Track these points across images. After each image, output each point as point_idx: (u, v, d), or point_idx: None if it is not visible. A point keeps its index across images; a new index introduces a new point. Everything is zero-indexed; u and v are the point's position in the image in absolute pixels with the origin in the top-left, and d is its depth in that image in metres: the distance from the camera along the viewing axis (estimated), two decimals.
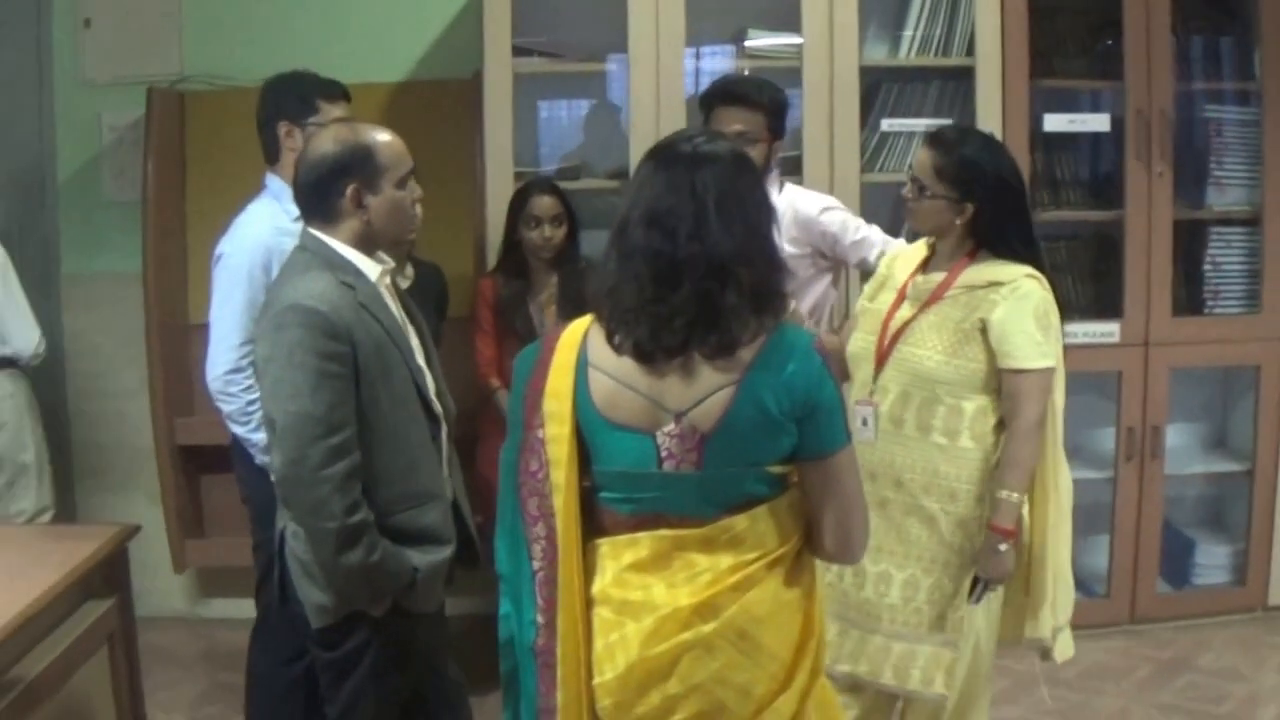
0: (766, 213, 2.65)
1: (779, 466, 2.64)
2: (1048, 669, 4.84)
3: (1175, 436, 5.69)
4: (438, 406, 3.37)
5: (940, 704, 3.71)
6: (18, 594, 3.28)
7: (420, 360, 3.36)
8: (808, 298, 4.49)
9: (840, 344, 3.87)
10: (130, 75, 5.47)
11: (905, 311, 3.69)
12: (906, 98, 5.30)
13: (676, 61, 5.01)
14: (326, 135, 3.24)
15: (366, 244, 3.24)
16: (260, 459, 3.91)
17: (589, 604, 2.66)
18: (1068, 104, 5.43)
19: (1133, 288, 5.37)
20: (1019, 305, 3.52)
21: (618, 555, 2.64)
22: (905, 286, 3.72)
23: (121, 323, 5.55)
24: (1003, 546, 3.54)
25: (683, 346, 2.54)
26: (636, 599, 2.61)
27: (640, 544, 2.62)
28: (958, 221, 3.59)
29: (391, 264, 3.40)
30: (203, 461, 5.50)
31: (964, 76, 5.21)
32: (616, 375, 2.60)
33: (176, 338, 5.43)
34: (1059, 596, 3.72)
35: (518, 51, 5.02)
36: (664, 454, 2.59)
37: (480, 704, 4.14)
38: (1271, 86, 5.35)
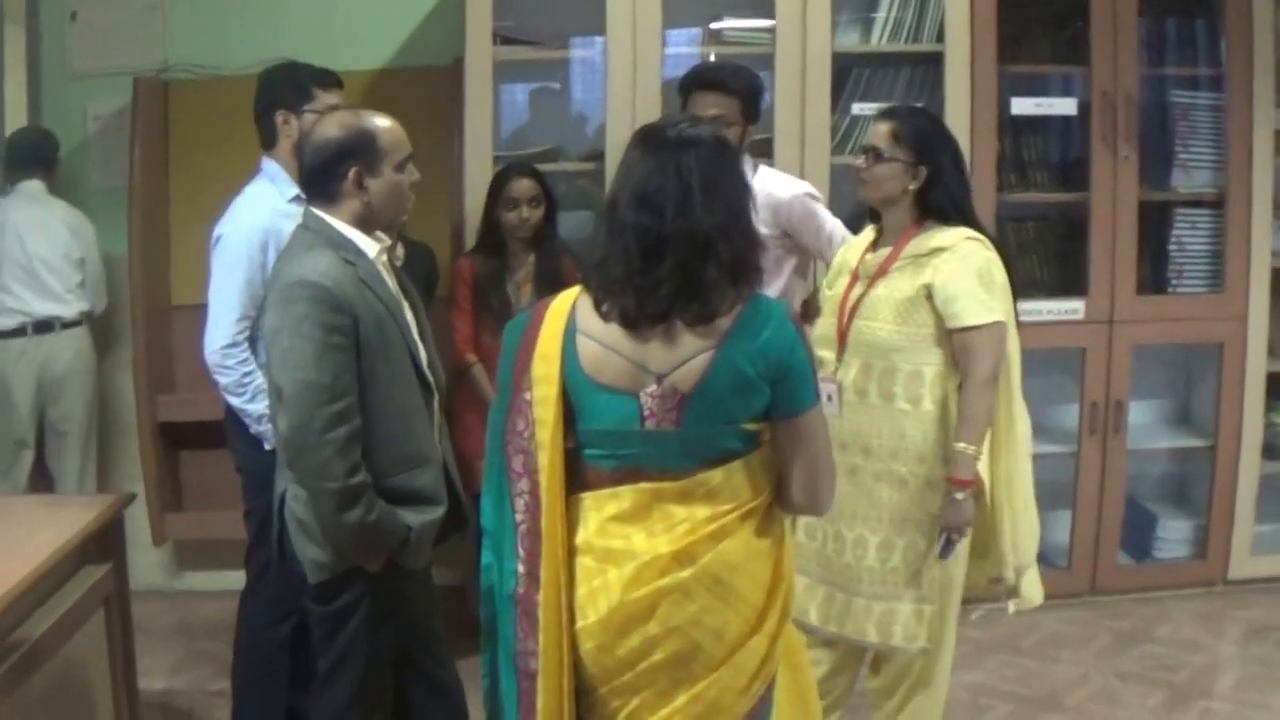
0: (745, 192, 2.82)
1: (752, 424, 2.79)
2: (1005, 635, 5.03)
3: (1140, 413, 5.83)
4: (430, 377, 3.54)
5: (917, 655, 3.88)
6: (22, 559, 3.41)
7: (415, 334, 3.52)
8: (777, 281, 4.59)
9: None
10: (115, 66, 5.59)
11: (858, 289, 3.84)
12: (877, 82, 5.40)
13: (652, 47, 5.11)
14: (332, 121, 3.40)
15: (366, 223, 3.41)
16: (256, 429, 4.07)
17: (571, 553, 2.82)
18: (1035, 88, 5.54)
19: (1097, 267, 5.49)
20: (960, 266, 3.67)
21: (600, 507, 2.81)
22: (857, 268, 3.88)
23: (108, 303, 5.73)
24: (960, 495, 3.68)
25: (665, 314, 2.70)
26: (618, 547, 2.78)
27: (622, 496, 2.79)
28: (910, 187, 3.75)
29: (389, 242, 3.55)
30: (182, 437, 5.63)
31: (934, 62, 5.32)
32: (603, 340, 2.76)
33: (159, 319, 5.57)
34: (1019, 538, 3.87)
35: (498, 39, 5.12)
36: (646, 413, 2.75)
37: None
38: (1236, 71, 5.47)
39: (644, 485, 2.78)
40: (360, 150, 3.34)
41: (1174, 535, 5.86)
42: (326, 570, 3.37)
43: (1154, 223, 5.65)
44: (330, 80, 4.25)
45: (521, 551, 2.83)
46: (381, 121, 3.39)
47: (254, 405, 4.04)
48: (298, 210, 3.66)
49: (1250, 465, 5.71)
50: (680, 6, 5.24)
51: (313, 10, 5.63)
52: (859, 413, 3.80)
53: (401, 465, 3.39)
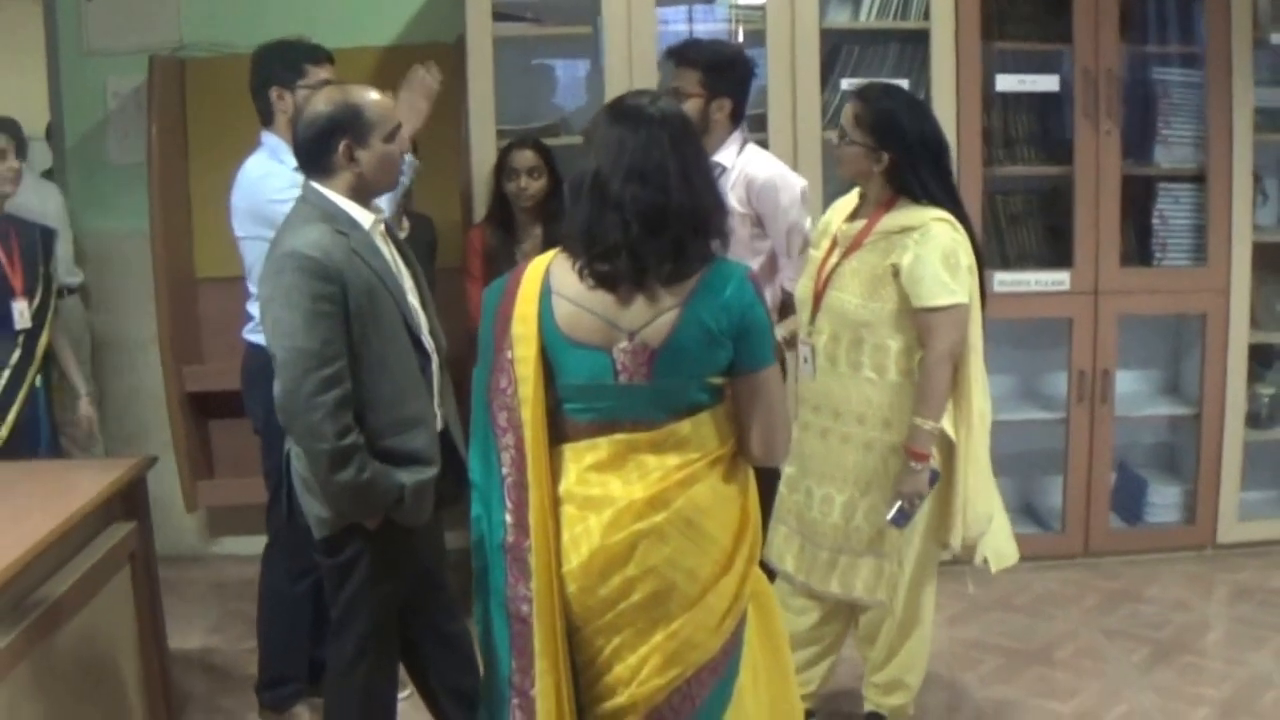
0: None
1: (717, 378, 2.98)
2: (1001, 593, 5.16)
3: (1129, 382, 5.98)
4: (428, 343, 3.66)
5: (884, 609, 4.05)
6: (46, 518, 3.59)
7: (413, 301, 3.65)
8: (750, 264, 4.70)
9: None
10: (132, 44, 5.70)
11: (834, 258, 3.98)
12: (866, 59, 5.55)
13: (648, 24, 5.27)
14: (320, 97, 3.52)
15: (360, 194, 3.53)
16: None
17: (556, 502, 2.98)
18: (1020, 65, 5.66)
19: (1082, 239, 5.63)
20: (927, 248, 3.78)
21: (579, 458, 2.98)
22: (836, 234, 4.03)
23: (131, 278, 5.83)
24: (917, 466, 3.83)
25: (643, 276, 2.87)
26: (597, 495, 2.95)
27: (599, 447, 2.97)
28: (875, 169, 3.87)
29: (385, 213, 3.70)
30: (211, 407, 5.76)
31: (921, 39, 5.46)
32: (577, 300, 2.93)
33: (184, 291, 5.70)
34: (970, 513, 4.00)
35: (498, 16, 5.29)
36: (619, 368, 2.92)
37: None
38: (1214, 49, 5.58)
39: (619, 436, 2.96)
40: (349, 124, 3.45)
41: (1164, 500, 5.99)
42: (328, 526, 3.51)
43: (1138, 197, 5.78)
44: (321, 56, 4.39)
45: (509, 503, 2.99)
46: (369, 95, 3.51)
47: None
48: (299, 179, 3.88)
49: (1235, 434, 5.83)
50: None
51: None
52: (829, 378, 3.96)
53: (396, 428, 3.50)
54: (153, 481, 4.16)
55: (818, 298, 4.00)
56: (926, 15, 5.43)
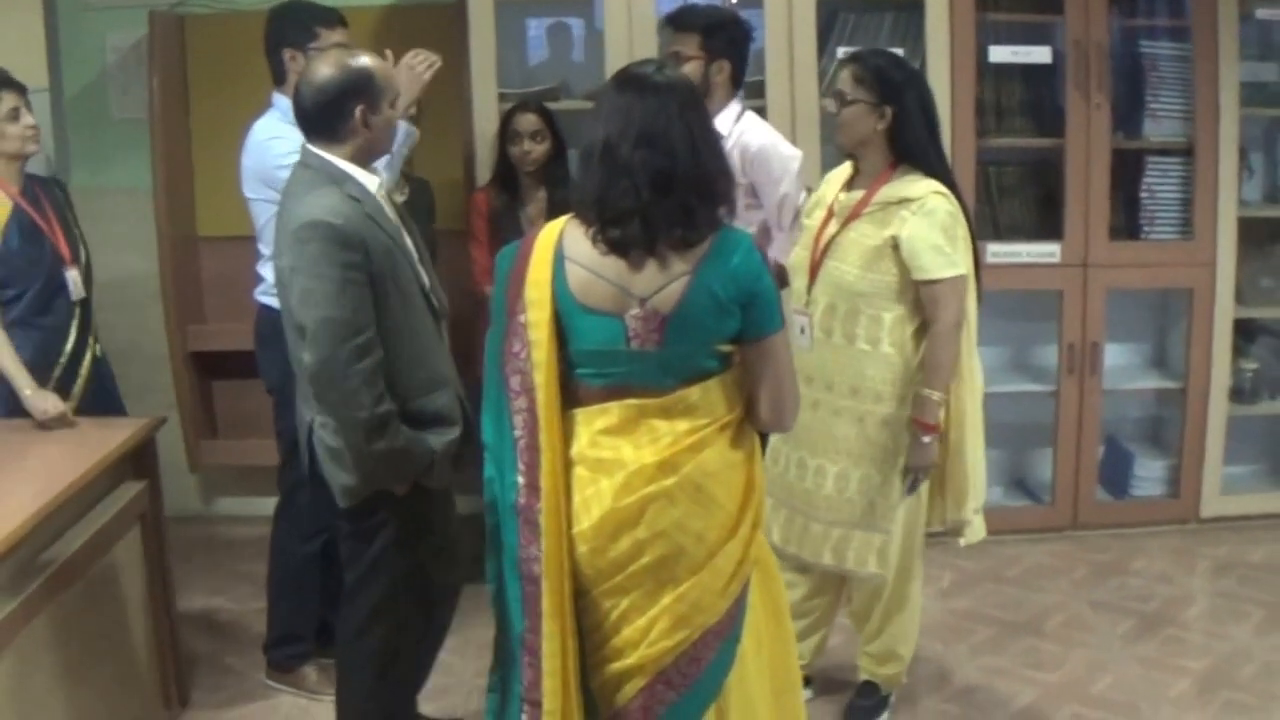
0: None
1: (725, 345, 3.01)
2: (991, 565, 5.22)
3: (1116, 355, 6.02)
4: (436, 302, 3.70)
5: (877, 581, 4.11)
6: (63, 474, 3.66)
7: (417, 261, 3.68)
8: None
9: None
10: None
11: (832, 228, 4.00)
12: (862, 28, 5.57)
13: None
14: (328, 62, 3.51)
15: (365, 158, 3.56)
16: None
17: (568, 465, 3.03)
18: (1013, 36, 5.67)
19: (1072, 212, 5.65)
20: (926, 221, 3.82)
21: (591, 422, 3.02)
22: (832, 205, 4.04)
23: (133, 236, 5.75)
24: (926, 439, 3.89)
25: (654, 241, 2.91)
26: (609, 458, 2.99)
27: (610, 412, 3.01)
28: (879, 127, 3.87)
29: (384, 176, 3.72)
30: (214, 366, 5.78)
31: (916, 9, 5.47)
32: (590, 266, 2.96)
33: (187, 250, 5.70)
34: (976, 483, 4.09)
35: None
36: (631, 334, 2.96)
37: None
38: (1201, 23, 5.60)
39: (630, 401, 2.99)
40: (363, 89, 3.46)
41: (1150, 474, 6.05)
42: (355, 495, 3.52)
43: (1127, 170, 5.80)
44: (333, 19, 4.38)
45: (521, 465, 3.02)
46: (375, 61, 3.53)
47: None
48: None
49: (1219, 408, 5.88)
50: None
51: None
52: (824, 349, 3.99)
53: (420, 389, 3.54)
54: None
55: (814, 268, 4.02)
56: None
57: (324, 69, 3.47)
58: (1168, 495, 6.04)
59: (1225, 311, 5.81)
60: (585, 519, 3.00)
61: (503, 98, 5.37)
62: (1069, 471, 5.87)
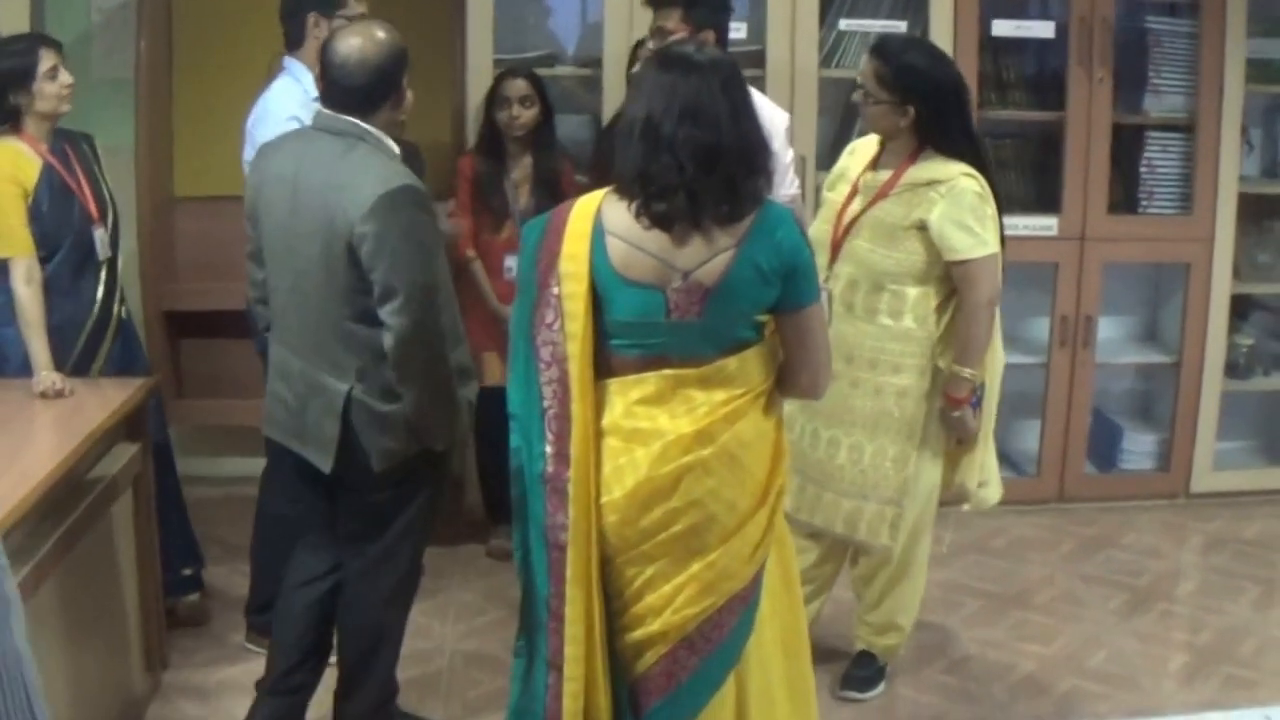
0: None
1: (762, 316, 3.02)
2: (977, 537, 5.22)
3: (1108, 328, 6.00)
4: None
5: (887, 552, 4.11)
6: (65, 437, 3.63)
7: None
8: None
9: None
10: None
11: (856, 206, 4.02)
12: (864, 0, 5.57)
13: None
14: (373, 35, 3.48)
15: (392, 129, 3.57)
16: None
17: (599, 435, 3.02)
18: (1016, 10, 5.69)
19: (1071, 185, 5.64)
20: (954, 203, 3.85)
21: (626, 392, 3.02)
22: (857, 181, 4.05)
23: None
24: (956, 414, 3.95)
25: (699, 216, 2.91)
26: (645, 428, 2.99)
27: (647, 382, 3.01)
28: (902, 124, 3.90)
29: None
30: (184, 327, 5.69)
31: None
32: (632, 240, 2.96)
33: (163, 210, 5.62)
34: (989, 454, 4.15)
35: None
36: (671, 306, 2.96)
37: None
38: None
39: (667, 372, 3.00)
40: (404, 66, 3.51)
41: (1139, 448, 6.04)
42: (397, 457, 3.56)
43: (1126, 144, 5.79)
44: None
45: (550, 434, 3.02)
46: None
47: None
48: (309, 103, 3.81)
49: (1213, 383, 5.88)
50: None
51: None
52: (844, 323, 4.00)
53: (454, 341, 3.60)
54: None
55: (836, 244, 4.04)
56: None
57: (375, 44, 3.46)
58: (1157, 469, 6.04)
59: (1222, 287, 5.81)
60: (617, 488, 3.00)
61: (497, 64, 5.33)
62: (1056, 444, 5.86)
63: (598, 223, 3.01)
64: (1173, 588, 5.26)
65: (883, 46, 3.98)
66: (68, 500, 3.58)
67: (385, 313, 3.39)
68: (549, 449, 3.02)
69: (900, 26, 5.41)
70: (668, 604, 3.01)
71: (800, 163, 5.06)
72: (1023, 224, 5.57)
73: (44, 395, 3.97)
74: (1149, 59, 5.73)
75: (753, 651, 3.10)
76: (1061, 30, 5.61)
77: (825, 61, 5.49)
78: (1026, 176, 5.84)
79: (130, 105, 5.45)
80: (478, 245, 5.13)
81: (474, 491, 5.63)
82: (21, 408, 3.92)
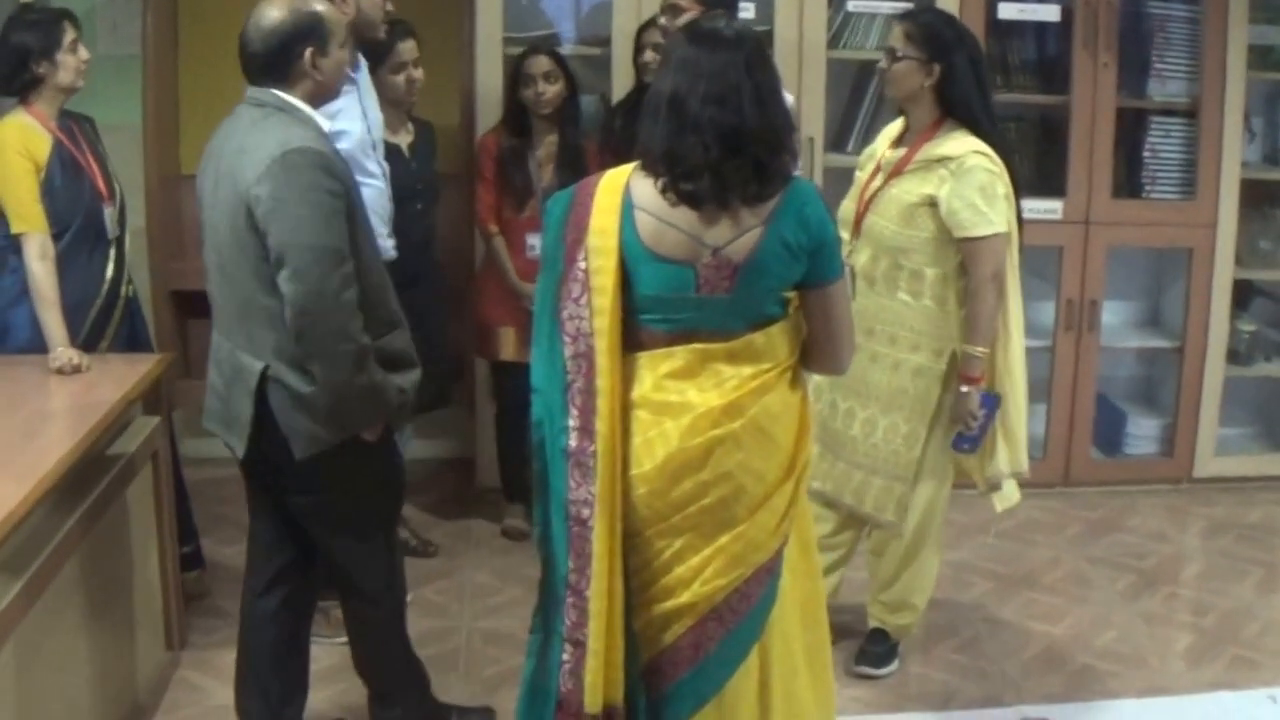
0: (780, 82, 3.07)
1: (789, 291, 3.03)
2: (983, 519, 5.26)
3: (1112, 313, 6.03)
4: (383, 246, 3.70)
5: (892, 530, 4.14)
6: (89, 409, 3.63)
7: None
8: None
9: None
10: None
11: (877, 182, 4.08)
12: None
13: None
14: (276, 6, 3.40)
15: (316, 100, 3.47)
16: None
17: (627, 408, 3.01)
18: None
19: (1075, 169, 5.67)
20: (963, 180, 3.88)
21: (655, 366, 3.01)
22: (880, 159, 4.12)
23: (119, 173, 5.60)
24: (964, 389, 3.96)
25: (727, 196, 2.90)
26: (675, 401, 2.98)
27: (676, 356, 3.00)
28: (926, 83, 3.93)
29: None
30: (190, 306, 5.61)
31: None
32: (661, 215, 2.95)
33: (170, 188, 5.59)
34: (1015, 440, 4.15)
35: None
36: (701, 281, 2.95)
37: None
38: None
39: (696, 346, 2.99)
40: (312, 33, 3.39)
41: (1143, 433, 6.08)
42: (321, 442, 3.36)
43: (1130, 129, 5.81)
44: None
45: (574, 409, 3.00)
46: (322, 4, 3.46)
47: None
48: None
49: (1215, 369, 5.90)
50: None
51: None
52: (865, 298, 4.05)
53: (380, 328, 3.42)
54: None
55: (859, 222, 4.10)
56: None
57: (273, 12, 3.39)
58: (1160, 454, 6.07)
59: (1225, 272, 5.83)
60: (648, 461, 2.99)
61: (506, 42, 5.35)
62: (1062, 427, 5.88)
63: (626, 197, 3.00)
64: (1178, 570, 5.30)
65: (911, 13, 4.12)
66: (88, 477, 3.57)
67: (281, 279, 3.22)
68: (572, 423, 3.00)
69: (908, 8, 5.40)
70: (696, 576, 3.00)
71: (809, 144, 5.08)
72: (1027, 207, 5.41)
73: (60, 371, 3.96)
74: (1152, 44, 5.75)
75: (775, 621, 3.10)
76: (1067, 14, 5.62)
77: (833, 42, 5.51)
78: (1031, 160, 5.84)
79: (135, 82, 5.44)
80: (499, 222, 5.14)
81: (486, 470, 5.64)
82: (38, 384, 3.91)
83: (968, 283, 3.95)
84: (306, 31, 3.38)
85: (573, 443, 3.00)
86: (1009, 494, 4.23)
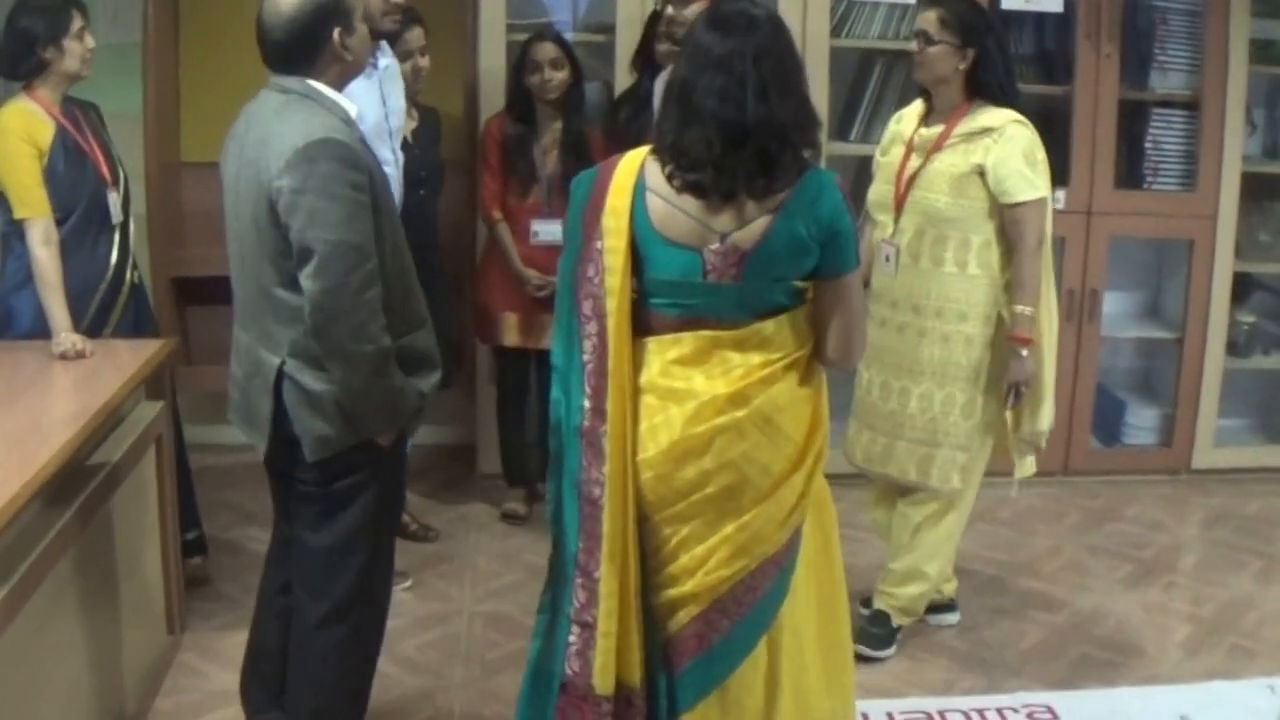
0: (804, 72, 3.01)
1: (800, 282, 3.00)
2: (983, 507, 5.20)
3: (1112, 304, 6.04)
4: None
5: (955, 495, 4.27)
6: (94, 395, 3.62)
7: None
8: None
9: None
10: None
11: (914, 162, 4.16)
12: None
13: None
14: None
15: (342, 83, 3.34)
16: None
17: (636, 392, 3.01)
18: None
19: (1078, 160, 5.68)
20: (1009, 147, 4.01)
21: (663, 351, 3.00)
22: (911, 140, 4.18)
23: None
24: (1024, 352, 4.06)
25: (731, 190, 2.89)
26: (680, 387, 2.98)
27: (684, 342, 2.99)
28: (960, 67, 4.05)
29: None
30: (191, 293, 5.70)
31: None
32: (671, 200, 2.94)
33: (170, 176, 5.61)
34: (1049, 398, 4.29)
35: None
36: (708, 268, 2.94)
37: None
38: None
39: (704, 332, 2.98)
40: (336, 11, 3.23)
41: (1142, 423, 6.10)
42: (332, 445, 3.24)
43: (1132, 120, 5.82)
44: None
45: (588, 389, 3.00)
46: None
47: None
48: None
49: (1214, 360, 5.92)
50: None
51: None
52: (911, 274, 4.15)
53: (405, 326, 3.29)
54: None
55: (899, 201, 4.17)
56: None
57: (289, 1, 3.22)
58: (1159, 445, 6.09)
59: (1225, 264, 5.85)
60: (652, 446, 2.98)
61: (509, 29, 5.36)
62: (1062, 417, 5.75)
63: (640, 179, 2.99)
64: (1176, 560, 5.31)
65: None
66: (92, 462, 3.57)
67: (303, 276, 3.08)
68: (587, 403, 3.00)
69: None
70: (700, 565, 3.00)
71: None
72: None
73: (64, 357, 3.96)
74: (1155, 36, 5.77)
75: (786, 615, 3.08)
76: (1069, 6, 5.62)
77: (836, 31, 5.53)
78: None
79: (136, 70, 5.44)
80: (504, 209, 5.14)
81: (487, 455, 5.66)
82: (42, 370, 3.91)
83: (1014, 248, 4.07)
84: (330, 10, 3.22)
85: (586, 422, 3.00)
86: (1030, 464, 4.37)
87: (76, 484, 3.42)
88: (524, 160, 5.09)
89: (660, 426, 2.98)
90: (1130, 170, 5.88)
